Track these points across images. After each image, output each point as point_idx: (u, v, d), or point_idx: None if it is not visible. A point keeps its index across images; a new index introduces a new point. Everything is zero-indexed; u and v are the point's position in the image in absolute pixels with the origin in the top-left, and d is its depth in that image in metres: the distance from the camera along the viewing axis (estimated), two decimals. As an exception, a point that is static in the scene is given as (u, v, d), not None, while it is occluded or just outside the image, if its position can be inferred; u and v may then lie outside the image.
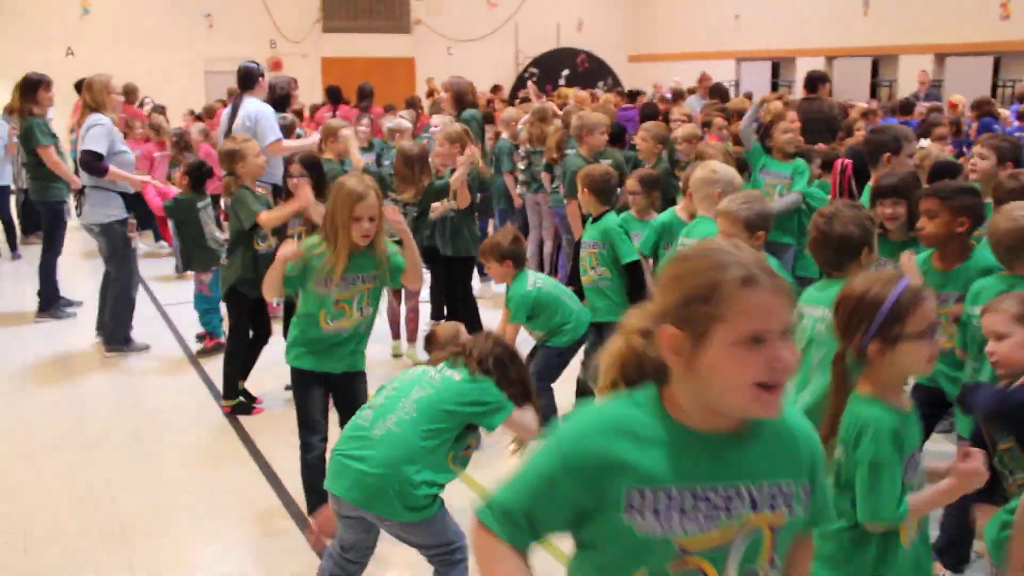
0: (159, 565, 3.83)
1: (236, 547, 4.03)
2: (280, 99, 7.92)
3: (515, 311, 4.52)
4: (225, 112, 7.16)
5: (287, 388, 4.54)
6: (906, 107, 10.35)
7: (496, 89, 16.04)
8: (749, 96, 12.48)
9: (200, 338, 6.65)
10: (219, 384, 5.56)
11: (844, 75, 17.24)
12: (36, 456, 4.86)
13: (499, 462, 3.64)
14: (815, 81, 8.06)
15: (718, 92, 11.17)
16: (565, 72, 20.52)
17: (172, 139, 9.25)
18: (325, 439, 3.80)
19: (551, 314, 4.57)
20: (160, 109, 12.21)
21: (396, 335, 6.34)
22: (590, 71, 20.88)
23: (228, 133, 6.53)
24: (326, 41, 19.10)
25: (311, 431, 3.81)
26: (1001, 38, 15.20)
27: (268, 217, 5.09)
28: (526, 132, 7.61)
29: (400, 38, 19.94)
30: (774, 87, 19.37)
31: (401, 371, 3.16)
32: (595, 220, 4.86)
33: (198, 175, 6.68)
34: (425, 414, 2.81)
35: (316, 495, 3.72)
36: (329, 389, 3.84)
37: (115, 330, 6.54)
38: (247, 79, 6.87)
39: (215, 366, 5.98)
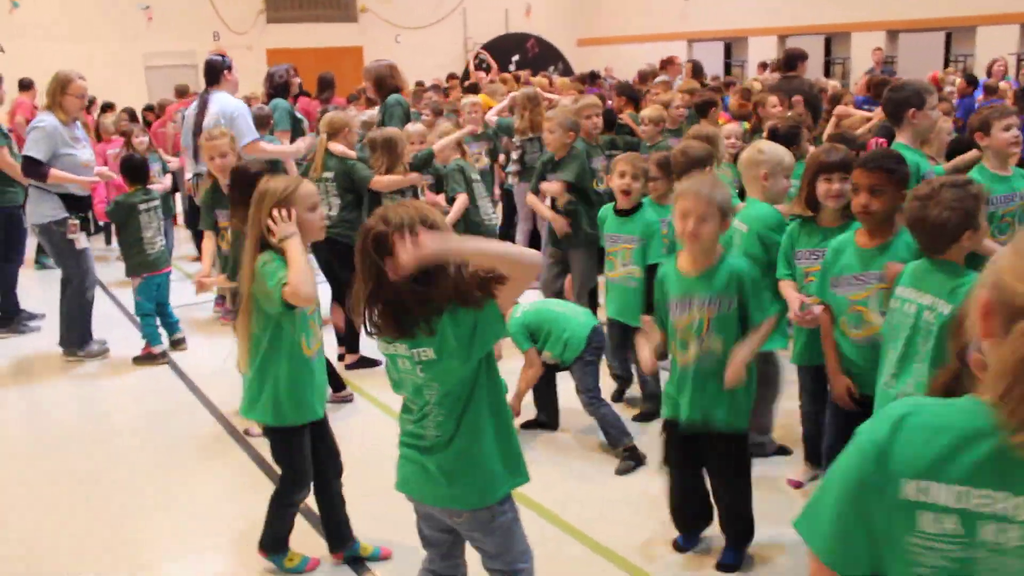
0: (148, 565, 3.65)
1: (229, 547, 3.74)
2: (280, 87, 7.60)
3: (515, 339, 4.44)
4: (190, 109, 6.65)
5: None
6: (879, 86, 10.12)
7: (451, 77, 15.68)
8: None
9: (174, 343, 6.30)
10: (184, 386, 5.31)
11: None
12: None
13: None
14: (794, 59, 7.88)
15: (697, 71, 11.00)
16: (515, 57, 20.27)
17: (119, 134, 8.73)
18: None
19: (551, 330, 4.38)
20: (109, 107, 11.66)
21: None
22: (540, 56, 20.66)
23: (197, 130, 6.14)
24: (271, 32, 18.55)
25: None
26: (951, 14, 15.34)
27: None
28: (517, 120, 7.26)
29: (346, 27, 19.48)
30: (727, 67, 19.36)
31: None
32: (630, 212, 4.64)
33: (131, 169, 6.22)
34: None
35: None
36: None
37: (70, 333, 6.17)
38: (212, 73, 6.44)
39: (185, 365, 5.77)
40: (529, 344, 4.41)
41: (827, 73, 16.85)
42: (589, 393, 4.38)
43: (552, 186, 5.51)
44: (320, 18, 19.11)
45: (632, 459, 4.24)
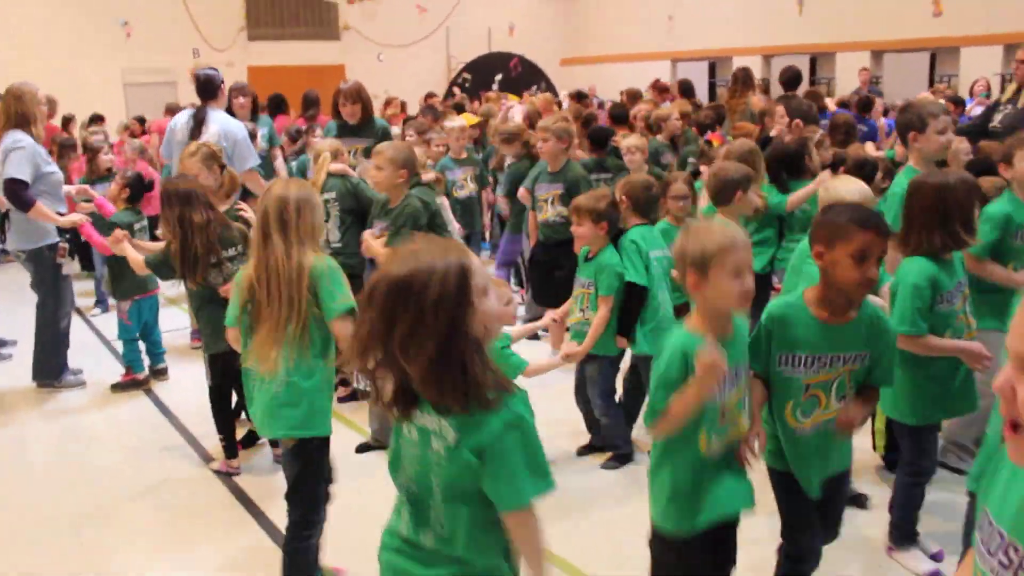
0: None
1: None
2: (279, 102, 7.44)
3: (610, 283, 4.20)
4: (180, 122, 6.32)
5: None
6: (864, 105, 10.01)
7: (430, 96, 15.49)
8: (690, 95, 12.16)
9: (155, 373, 6.02)
10: (165, 413, 5.09)
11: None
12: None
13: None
14: (794, 79, 7.80)
15: (687, 91, 10.84)
16: (498, 77, 20.15)
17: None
18: None
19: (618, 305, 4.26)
20: (99, 119, 11.34)
21: None
22: (523, 75, 20.53)
23: None
24: (252, 49, 18.29)
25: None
26: (935, 34, 15.35)
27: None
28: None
29: (329, 45, 19.26)
30: (711, 87, 19.32)
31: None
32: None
33: (138, 189, 5.99)
34: None
35: None
36: None
37: (44, 362, 5.89)
38: (208, 88, 6.16)
39: (167, 397, 5.54)
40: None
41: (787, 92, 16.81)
42: (606, 397, 4.39)
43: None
44: (302, 36, 18.88)
45: (619, 461, 4.43)
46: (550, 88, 19.72)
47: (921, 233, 3.20)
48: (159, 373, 6.02)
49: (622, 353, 4.43)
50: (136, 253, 4.49)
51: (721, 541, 2.54)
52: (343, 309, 3.02)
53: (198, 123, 6.08)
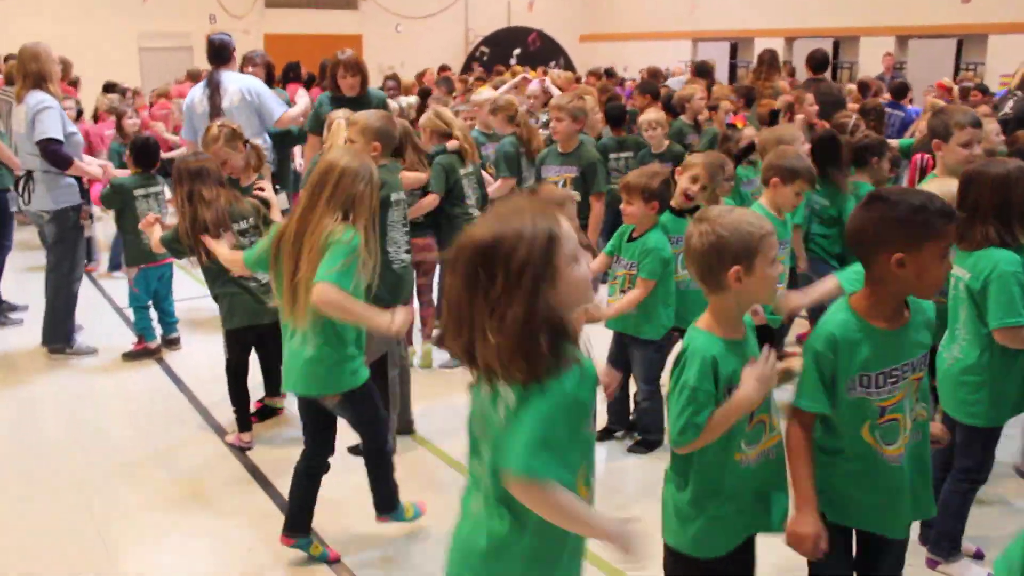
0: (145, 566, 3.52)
1: (226, 547, 3.55)
2: (294, 70, 7.30)
3: (653, 267, 4.08)
4: (196, 97, 6.20)
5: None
6: (899, 91, 9.76)
7: (444, 69, 15.31)
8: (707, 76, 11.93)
9: (168, 342, 5.96)
10: (176, 382, 5.04)
11: (804, 56, 17.01)
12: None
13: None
14: (823, 62, 7.64)
15: (704, 72, 10.54)
16: (516, 51, 19.95)
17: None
18: None
19: (657, 289, 4.15)
20: (114, 88, 11.23)
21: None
22: (541, 50, 20.33)
23: (215, 113, 5.79)
24: (269, 17, 18.15)
25: None
26: (962, 21, 15.11)
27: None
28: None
29: (346, 14, 19.10)
30: (732, 68, 19.10)
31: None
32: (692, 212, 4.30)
33: (139, 150, 5.76)
34: None
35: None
36: None
37: (55, 326, 5.81)
38: (222, 52, 6.05)
39: (180, 367, 5.49)
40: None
41: (834, 77, 16.59)
42: (651, 381, 4.31)
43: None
44: (320, 4, 18.72)
45: (647, 447, 4.40)
46: (568, 65, 19.53)
47: (981, 226, 3.04)
48: (172, 343, 5.94)
49: (670, 338, 4.30)
50: (158, 234, 4.37)
51: (746, 551, 2.40)
52: (324, 276, 3.00)
53: (214, 88, 5.97)
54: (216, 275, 4.40)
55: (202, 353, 5.78)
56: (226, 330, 4.52)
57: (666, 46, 19.29)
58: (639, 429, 4.49)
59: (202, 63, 14.99)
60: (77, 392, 5.34)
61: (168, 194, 5.78)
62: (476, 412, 1.94)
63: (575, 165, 5.48)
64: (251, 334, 4.52)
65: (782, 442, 2.40)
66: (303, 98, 6.52)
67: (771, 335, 4.83)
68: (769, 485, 2.38)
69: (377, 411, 3.41)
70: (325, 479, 3.47)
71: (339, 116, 4.94)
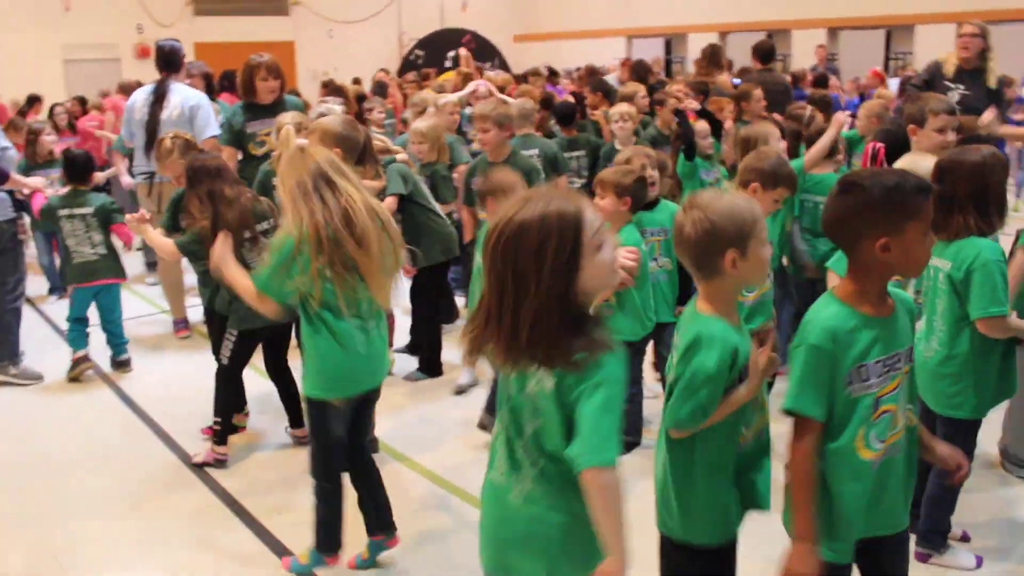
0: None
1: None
2: (230, 78, 7.10)
3: None
4: (139, 100, 6.00)
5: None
6: (820, 81, 9.90)
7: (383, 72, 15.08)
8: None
9: (118, 364, 5.74)
10: (130, 405, 4.88)
11: (738, 49, 17.20)
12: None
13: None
14: (769, 53, 7.68)
15: (639, 70, 10.53)
16: (451, 54, 19.80)
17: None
18: None
19: (638, 288, 4.03)
20: (36, 100, 10.79)
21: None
22: (476, 52, 20.21)
23: (153, 123, 5.58)
24: (199, 25, 17.71)
25: None
26: (890, 12, 15.43)
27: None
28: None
29: (278, 20, 18.76)
30: (667, 64, 19.24)
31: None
32: (653, 204, 4.33)
33: (73, 167, 5.47)
34: None
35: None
36: None
37: (2, 344, 5.54)
38: (172, 59, 5.85)
39: (132, 390, 5.28)
40: None
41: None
42: (631, 388, 4.15)
43: None
44: (250, 11, 18.35)
45: (624, 448, 4.29)
46: (504, 65, 19.47)
47: (960, 215, 3.02)
48: (122, 364, 5.71)
49: (646, 339, 4.24)
50: (159, 236, 4.12)
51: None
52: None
53: (159, 97, 5.77)
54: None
55: (156, 374, 5.58)
56: (239, 331, 4.20)
57: (601, 44, 19.36)
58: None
59: (130, 73, 14.59)
60: (22, 417, 5.10)
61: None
62: (519, 399, 1.97)
63: None
64: (262, 335, 4.28)
65: (768, 423, 2.36)
66: None
67: None
68: (755, 463, 2.33)
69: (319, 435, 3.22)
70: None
71: (287, 121, 4.78)
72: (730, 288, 2.26)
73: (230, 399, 4.34)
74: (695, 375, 2.17)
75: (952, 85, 6.26)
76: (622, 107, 6.52)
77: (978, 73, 6.06)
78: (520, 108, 6.08)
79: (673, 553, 2.35)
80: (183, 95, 5.75)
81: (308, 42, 18.59)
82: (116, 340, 5.73)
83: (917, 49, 15.27)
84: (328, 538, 3.29)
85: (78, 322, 5.59)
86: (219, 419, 4.30)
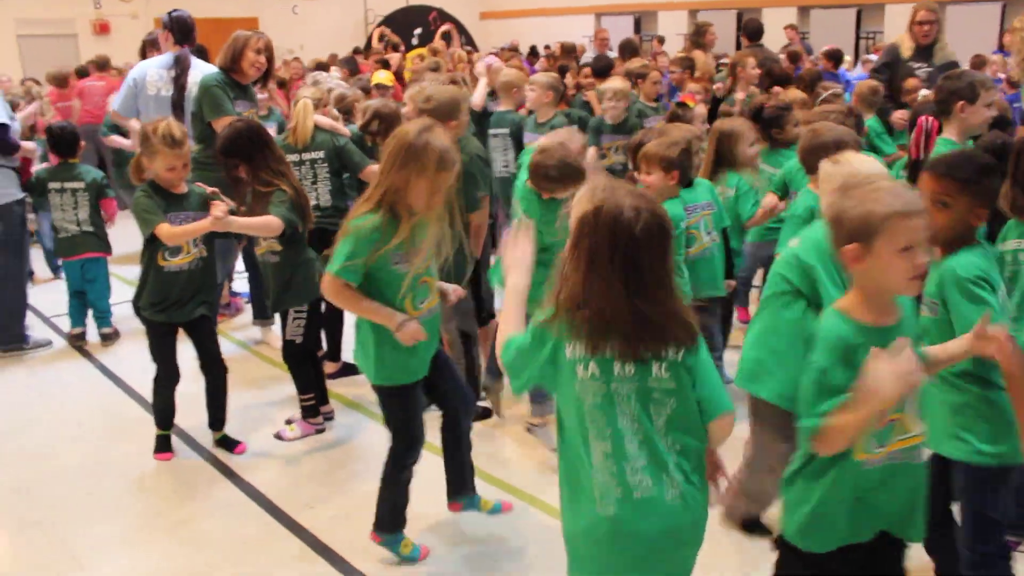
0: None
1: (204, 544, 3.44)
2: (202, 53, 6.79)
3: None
4: (152, 72, 5.56)
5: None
6: (793, 57, 9.85)
7: (356, 52, 14.77)
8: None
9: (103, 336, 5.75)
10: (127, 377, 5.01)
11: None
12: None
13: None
14: (758, 31, 7.63)
15: (569, 52, 10.48)
16: (417, 31, 19.53)
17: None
18: None
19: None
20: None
21: None
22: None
23: (179, 94, 5.33)
24: (158, 1, 17.21)
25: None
26: (861, -10, 15.49)
27: (171, 233, 3.77)
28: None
29: (241, -4, 18.31)
30: (639, 42, 19.13)
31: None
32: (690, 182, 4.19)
33: (54, 140, 5.47)
34: None
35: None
36: None
37: (10, 325, 5.53)
38: (187, 29, 5.59)
39: (115, 360, 5.43)
40: None
41: (738, 47, 16.77)
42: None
43: None
44: (212, -15, 17.87)
45: None
46: (470, 42, 19.23)
47: None
48: (106, 338, 5.71)
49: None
50: (252, 219, 3.85)
51: (864, 554, 2.20)
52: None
53: (183, 68, 5.49)
54: (295, 241, 4.02)
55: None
56: (309, 305, 4.11)
57: (569, 21, 19.20)
58: None
59: (87, 50, 14.14)
60: (13, 390, 5.06)
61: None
62: (645, 389, 2.02)
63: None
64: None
65: (918, 447, 2.18)
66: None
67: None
68: (895, 490, 2.15)
69: (402, 419, 3.14)
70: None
71: (305, 95, 4.69)
72: (864, 287, 2.14)
73: (310, 374, 4.29)
74: (812, 381, 2.13)
75: (916, 65, 6.37)
76: (615, 82, 6.37)
77: (929, 51, 6.27)
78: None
79: (781, 552, 2.30)
80: (200, 69, 5.46)
81: (273, 19, 18.17)
82: (99, 313, 5.73)
83: (887, 28, 15.34)
84: (395, 519, 3.25)
85: (75, 296, 5.66)
86: (306, 396, 4.28)
